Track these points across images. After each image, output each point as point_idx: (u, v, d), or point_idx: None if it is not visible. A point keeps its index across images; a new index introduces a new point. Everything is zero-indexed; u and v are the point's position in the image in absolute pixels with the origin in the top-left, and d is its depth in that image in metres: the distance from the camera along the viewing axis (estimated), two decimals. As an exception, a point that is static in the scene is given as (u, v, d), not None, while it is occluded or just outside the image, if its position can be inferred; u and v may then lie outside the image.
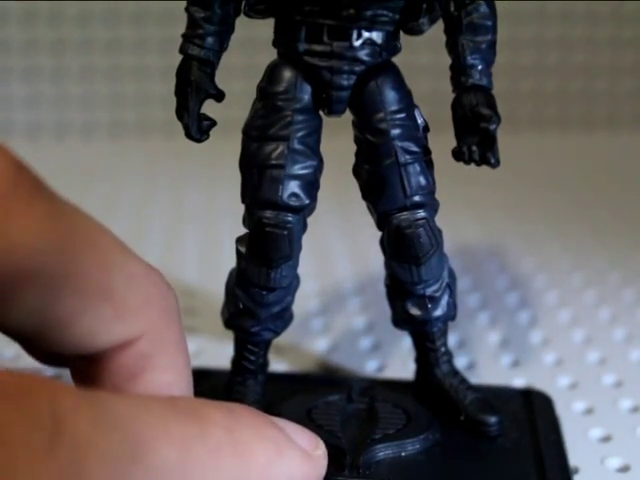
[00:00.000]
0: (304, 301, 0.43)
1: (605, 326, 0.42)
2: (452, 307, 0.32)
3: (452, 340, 0.40)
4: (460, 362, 0.38)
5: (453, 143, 0.29)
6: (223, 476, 0.24)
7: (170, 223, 0.53)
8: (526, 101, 0.70)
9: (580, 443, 0.33)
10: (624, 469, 0.31)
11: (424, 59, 0.62)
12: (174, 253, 0.48)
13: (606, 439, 0.33)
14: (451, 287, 0.32)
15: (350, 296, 0.44)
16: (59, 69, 0.67)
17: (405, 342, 0.37)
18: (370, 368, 0.37)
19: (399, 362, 0.37)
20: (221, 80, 0.30)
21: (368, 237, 0.32)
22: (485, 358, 0.38)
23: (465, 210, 0.55)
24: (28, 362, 0.26)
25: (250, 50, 0.30)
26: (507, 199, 0.57)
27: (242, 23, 0.30)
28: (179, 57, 0.30)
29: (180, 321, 0.26)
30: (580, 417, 0.34)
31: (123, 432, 0.22)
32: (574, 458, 0.32)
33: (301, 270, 0.31)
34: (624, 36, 0.71)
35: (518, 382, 0.36)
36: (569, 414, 0.34)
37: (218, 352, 0.36)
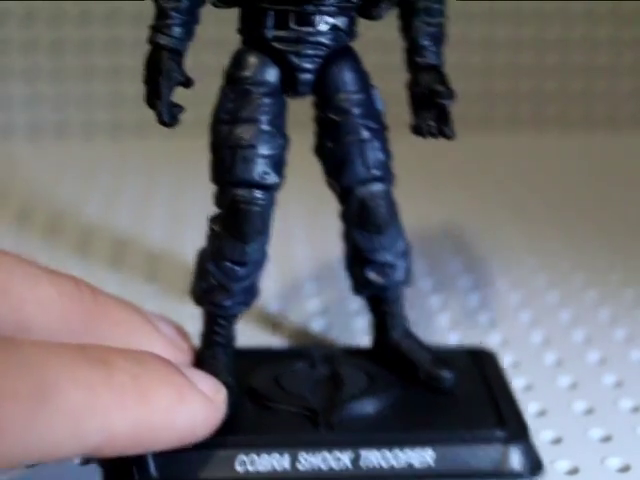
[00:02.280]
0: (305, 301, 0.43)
1: (605, 326, 0.42)
2: (409, 273, 0.35)
3: (452, 340, 0.40)
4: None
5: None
6: (127, 418, 0.26)
7: (170, 223, 0.53)
8: (526, 101, 0.70)
9: (580, 443, 0.33)
10: (624, 469, 0.31)
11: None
12: (174, 253, 0.48)
13: (606, 439, 0.33)
14: (407, 254, 0.34)
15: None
16: (59, 69, 0.67)
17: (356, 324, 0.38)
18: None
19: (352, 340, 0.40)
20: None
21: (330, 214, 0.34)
22: (475, 344, 0.38)
23: (465, 210, 0.55)
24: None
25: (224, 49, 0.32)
26: (507, 199, 0.57)
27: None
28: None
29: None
30: (580, 417, 0.34)
31: (32, 374, 0.24)
32: (574, 458, 0.32)
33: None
34: (624, 36, 0.71)
35: (518, 382, 0.36)
36: (570, 414, 0.34)
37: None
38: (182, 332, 0.33)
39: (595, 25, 0.70)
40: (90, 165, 0.63)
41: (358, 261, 0.34)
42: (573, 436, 0.33)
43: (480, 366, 0.35)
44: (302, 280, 0.46)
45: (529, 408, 0.35)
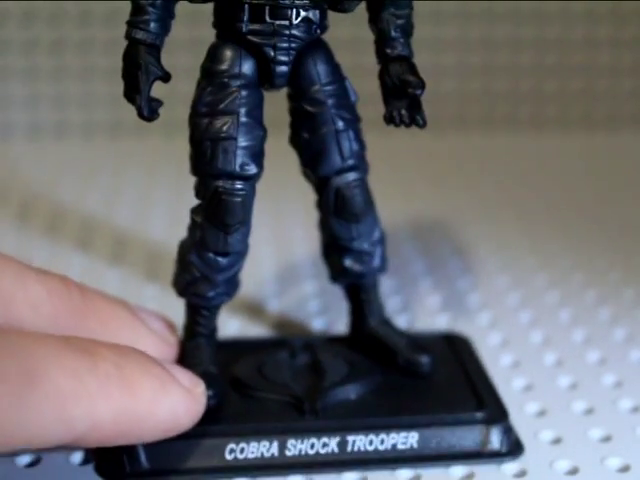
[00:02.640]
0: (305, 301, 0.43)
1: (605, 326, 0.42)
2: (384, 260, 0.35)
3: (452, 340, 0.40)
4: (460, 362, 0.38)
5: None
6: (112, 406, 0.26)
7: (170, 223, 0.53)
8: (526, 101, 0.70)
9: (580, 443, 0.33)
10: (624, 469, 0.31)
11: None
12: (173, 252, 0.48)
13: (606, 439, 0.33)
14: (382, 242, 0.35)
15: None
16: (59, 69, 0.67)
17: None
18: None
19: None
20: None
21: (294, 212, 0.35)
22: (485, 358, 0.38)
23: (465, 210, 0.55)
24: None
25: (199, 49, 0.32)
26: (507, 199, 0.57)
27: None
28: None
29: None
30: (580, 417, 0.34)
31: (20, 359, 0.25)
32: (574, 458, 0.32)
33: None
34: (624, 36, 0.71)
35: (518, 382, 0.36)
36: (570, 414, 0.34)
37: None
38: (170, 326, 0.34)
39: (595, 25, 0.70)
40: (90, 165, 0.63)
41: (335, 250, 0.35)
42: (573, 436, 0.33)
43: (455, 351, 0.36)
44: (297, 264, 0.46)
45: (529, 408, 0.35)
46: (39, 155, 0.65)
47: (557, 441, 0.33)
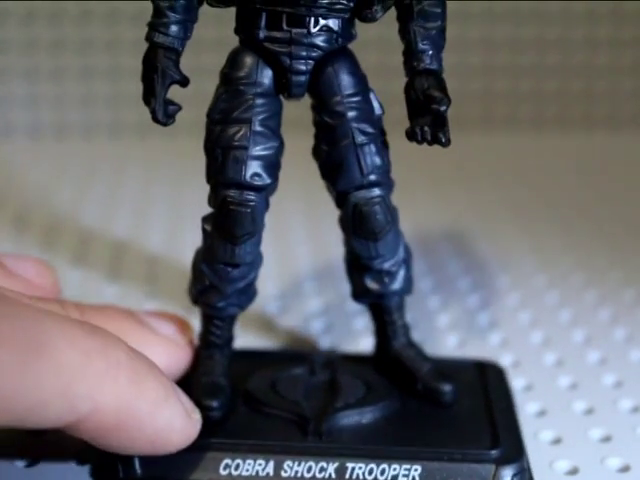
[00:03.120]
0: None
1: (605, 326, 0.42)
2: (408, 281, 0.34)
3: (452, 340, 0.40)
4: (460, 362, 0.38)
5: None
6: (116, 394, 0.26)
7: (170, 223, 0.53)
8: (526, 101, 0.70)
9: (580, 443, 0.33)
10: (624, 469, 0.31)
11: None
12: (173, 252, 0.48)
13: (606, 439, 0.33)
14: (407, 262, 0.34)
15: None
16: (59, 69, 0.67)
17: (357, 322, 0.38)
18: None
19: (352, 341, 0.40)
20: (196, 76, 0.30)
21: (329, 217, 0.34)
22: (485, 358, 0.38)
23: (465, 210, 0.55)
24: None
25: (224, 48, 0.32)
26: (507, 199, 0.57)
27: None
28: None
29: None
30: (580, 417, 0.34)
31: (27, 327, 0.24)
32: (574, 458, 0.32)
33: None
34: (624, 36, 0.71)
35: (518, 382, 0.36)
36: (570, 414, 0.34)
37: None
38: (183, 326, 0.33)
39: (595, 25, 0.70)
40: (90, 165, 0.63)
41: (357, 268, 0.34)
42: (573, 436, 0.33)
43: (485, 381, 0.34)
44: (302, 280, 0.46)
45: (529, 408, 0.35)
46: (39, 155, 0.65)
47: (557, 441, 0.33)
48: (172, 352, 0.32)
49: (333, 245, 0.36)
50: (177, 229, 0.52)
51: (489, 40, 0.69)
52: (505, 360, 0.38)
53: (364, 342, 0.38)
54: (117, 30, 0.66)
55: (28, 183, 0.59)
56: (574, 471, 0.31)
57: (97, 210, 0.55)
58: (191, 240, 0.49)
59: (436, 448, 0.30)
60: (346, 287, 0.35)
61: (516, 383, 0.36)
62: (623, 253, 0.50)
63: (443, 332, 0.41)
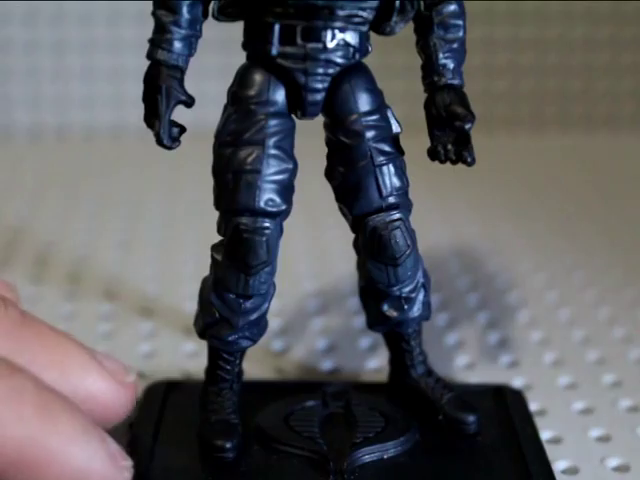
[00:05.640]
0: (304, 301, 0.43)
1: (605, 326, 0.42)
2: (427, 307, 0.32)
3: (451, 340, 0.40)
4: (460, 362, 0.38)
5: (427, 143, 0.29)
6: (21, 427, 0.23)
7: (170, 223, 0.53)
8: (526, 101, 0.70)
9: (580, 443, 0.33)
10: (624, 469, 0.31)
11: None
12: (173, 252, 0.48)
13: (606, 439, 0.33)
14: (426, 287, 0.32)
15: (350, 296, 0.44)
16: (60, 69, 0.67)
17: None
18: (370, 368, 0.38)
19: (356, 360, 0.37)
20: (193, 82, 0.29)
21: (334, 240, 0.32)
22: (485, 358, 0.38)
23: (465, 210, 0.55)
24: None
25: (225, 51, 0.30)
26: (507, 199, 0.57)
27: (216, 23, 0.30)
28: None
29: None
30: (580, 417, 0.34)
31: None
32: (574, 458, 0.32)
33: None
34: (624, 36, 0.71)
35: (517, 382, 0.36)
36: (569, 414, 0.34)
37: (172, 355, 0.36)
38: (125, 368, 0.29)
39: (595, 25, 0.70)
40: (90, 165, 0.63)
41: (373, 294, 0.31)
42: (573, 436, 0.33)
43: (506, 408, 0.33)
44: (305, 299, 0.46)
45: (529, 408, 0.35)
46: (39, 155, 0.65)
47: (557, 441, 0.33)
48: (114, 387, 0.28)
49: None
50: (177, 229, 0.52)
51: (489, 40, 0.69)
52: (503, 360, 0.38)
53: (370, 363, 0.38)
54: (119, 31, 0.66)
55: (28, 183, 0.59)
56: (574, 471, 0.31)
57: (97, 210, 0.55)
58: (191, 239, 0.50)
59: None
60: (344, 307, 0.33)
61: (515, 382, 0.36)
62: (623, 253, 0.50)
63: (441, 331, 0.41)
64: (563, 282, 0.46)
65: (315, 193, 0.31)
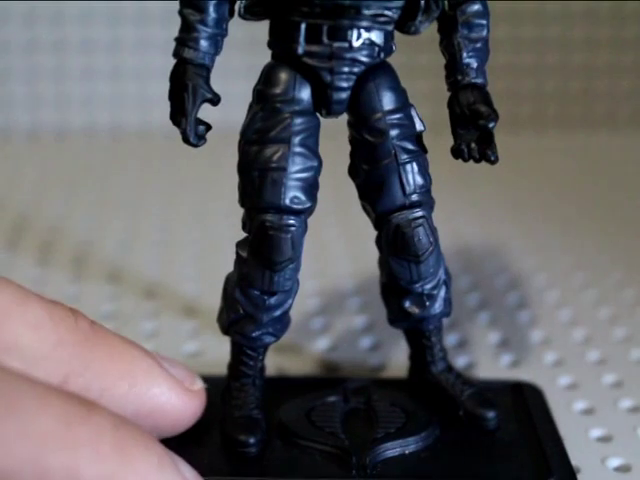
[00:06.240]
0: (304, 300, 0.43)
1: (605, 326, 0.42)
2: (448, 304, 0.32)
3: (452, 340, 0.40)
4: (460, 362, 0.38)
5: (450, 142, 0.29)
6: (99, 467, 0.23)
7: (170, 223, 0.53)
8: (526, 101, 0.70)
9: (580, 443, 0.33)
10: (624, 469, 0.31)
11: (423, 59, 0.62)
12: (172, 252, 0.48)
13: (606, 439, 0.33)
14: (447, 284, 0.32)
15: (350, 296, 0.44)
16: (60, 69, 0.67)
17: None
18: (370, 366, 0.38)
19: (398, 361, 0.37)
20: (219, 81, 0.29)
21: (366, 236, 0.32)
22: (485, 358, 0.38)
23: (465, 210, 0.55)
24: None
25: (250, 50, 0.30)
26: (507, 199, 0.57)
27: (242, 23, 0.30)
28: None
29: None
30: (580, 417, 0.34)
31: None
32: (574, 458, 0.32)
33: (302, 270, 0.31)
34: (624, 36, 0.71)
35: (518, 382, 0.37)
36: (569, 414, 0.34)
37: (217, 353, 0.36)
38: (192, 376, 0.30)
39: (595, 25, 0.70)
40: (90, 165, 0.63)
41: (394, 291, 0.32)
42: (573, 436, 0.33)
43: (524, 403, 0.33)
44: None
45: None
46: (39, 155, 0.65)
47: (557, 441, 0.33)
48: (183, 395, 0.29)
49: (373, 262, 0.34)
50: (177, 229, 0.52)
51: (489, 40, 0.69)
52: (504, 359, 0.38)
53: (370, 363, 0.38)
54: (119, 30, 0.66)
55: (28, 183, 0.59)
56: (574, 471, 0.31)
57: (97, 210, 0.55)
58: (191, 239, 0.50)
59: (487, 479, 0.29)
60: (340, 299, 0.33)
61: (516, 383, 0.36)
62: (623, 253, 0.50)
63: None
64: (563, 282, 0.46)
65: (345, 191, 0.31)
